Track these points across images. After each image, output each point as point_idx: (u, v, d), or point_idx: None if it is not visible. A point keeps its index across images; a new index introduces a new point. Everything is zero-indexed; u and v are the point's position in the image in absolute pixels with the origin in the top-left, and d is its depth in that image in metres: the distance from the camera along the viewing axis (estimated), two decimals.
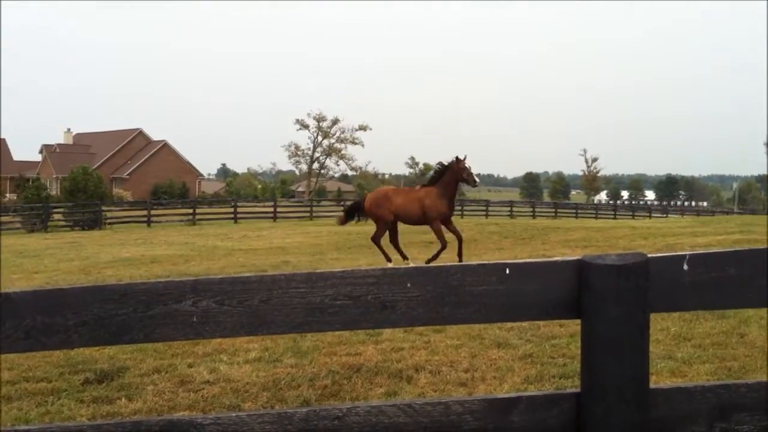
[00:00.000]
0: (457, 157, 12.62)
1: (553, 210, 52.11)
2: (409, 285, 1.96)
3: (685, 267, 2.02)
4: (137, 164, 73.84)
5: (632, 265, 1.92)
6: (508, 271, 1.99)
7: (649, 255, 1.98)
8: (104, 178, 63.09)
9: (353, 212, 13.84)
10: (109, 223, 36.57)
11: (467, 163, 12.62)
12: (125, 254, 18.60)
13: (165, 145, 76.88)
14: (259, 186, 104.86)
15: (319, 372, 5.59)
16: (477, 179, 13.00)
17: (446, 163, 12.73)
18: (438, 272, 1.98)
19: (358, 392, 5.08)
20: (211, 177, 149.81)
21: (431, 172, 13.44)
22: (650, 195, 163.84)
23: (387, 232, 13.04)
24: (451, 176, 12.61)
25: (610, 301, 1.92)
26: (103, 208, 39.42)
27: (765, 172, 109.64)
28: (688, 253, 2.03)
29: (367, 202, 13.19)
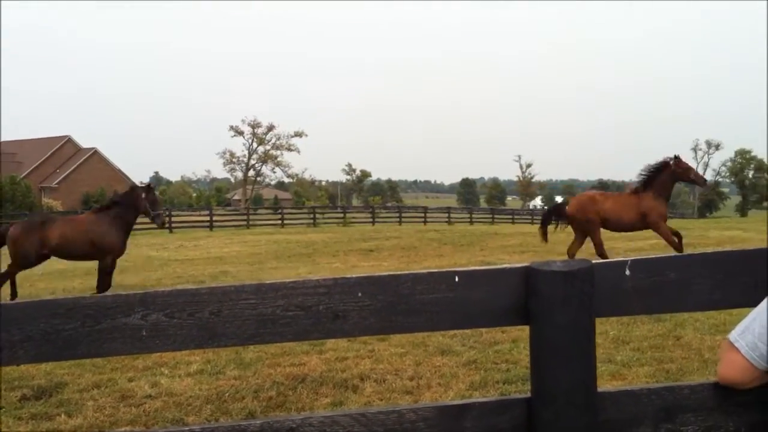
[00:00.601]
0: (676, 156, 11.87)
1: (490, 216, 52.65)
2: (360, 294, 1.96)
3: (628, 272, 2.06)
4: (67, 173, 71.83)
5: (578, 271, 1.95)
6: (457, 279, 2.00)
7: (594, 261, 2.02)
8: (33, 188, 61.39)
9: (550, 219, 13.04)
10: None
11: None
12: (58, 266, 18.06)
13: (95, 153, 75.05)
14: (194, 194, 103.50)
15: (264, 383, 5.54)
16: (706, 179, 12.12)
17: (659, 164, 11.87)
18: (389, 281, 1.98)
19: (304, 403, 5.06)
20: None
21: (642, 175, 12.23)
22: None
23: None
24: (669, 177, 11.78)
25: (557, 307, 1.95)
26: None
27: None
28: (630, 258, 2.08)
29: (572, 207, 12.39)
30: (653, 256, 2.14)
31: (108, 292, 1.95)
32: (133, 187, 11.32)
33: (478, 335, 6.72)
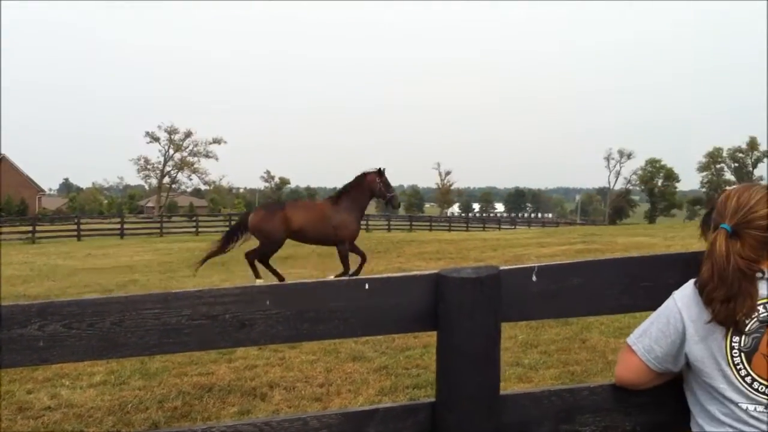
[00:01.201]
0: None
1: (408, 223, 53.06)
2: (268, 303, 1.94)
3: (534, 278, 2.11)
4: None
5: (486, 277, 1.98)
6: (367, 286, 2.01)
7: (501, 267, 2.05)
8: None
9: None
10: None
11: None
12: None
13: (3, 160, 72.10)
14: (106, 201, 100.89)
15: (169, 393, 5.43)
16: None
17: None
18: (297, 289, 1.98)
19: (210, 412, 4.97)
20: (52, 192, 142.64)
21: None
22: (500, 207, 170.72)
23: None
24: None
25: (465, 312, 1.97)
26: None
27: (605, 185, 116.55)
28: (536, 264, 2.12)
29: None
30: (558, 263, 2.19)
31: (6, 302, 1.88)
32: (366, 173, 11.60)
33: (390, 341, 6.74)
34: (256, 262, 11.43)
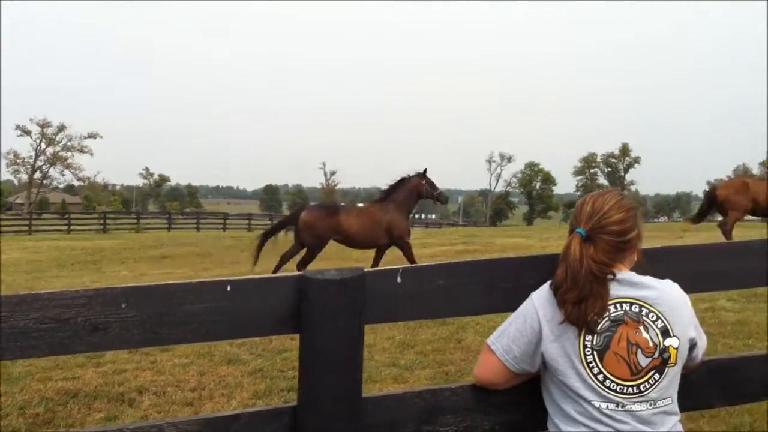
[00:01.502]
0: None
1: None
2: (124, 305, 1.88)
3: (399, 280, 2.13)
4: None
5: (350, 279, 1.99)
6: (229, 288, 1.97)
7: (366, 269, 2.06)
8: None
9: (710, 206, 13.39)
10: None
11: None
12: None
13: None
14: None
15: (31, 399, 5.16)
16: None
17: None
18: (156, 291, 1.92)
19: (75, 419, 4.76)
20: None
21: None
22: None
23: None
24: None
25: (327, 315, 1.97)
26: None
27: (486, 187, 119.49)
28: (401, 266, 2.14)
29: (724, 190, 12.87)
30: (423, 265, 2.21)
31: None
32: (410, 176, 11.80)
33: (266, 343, 6.66)
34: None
